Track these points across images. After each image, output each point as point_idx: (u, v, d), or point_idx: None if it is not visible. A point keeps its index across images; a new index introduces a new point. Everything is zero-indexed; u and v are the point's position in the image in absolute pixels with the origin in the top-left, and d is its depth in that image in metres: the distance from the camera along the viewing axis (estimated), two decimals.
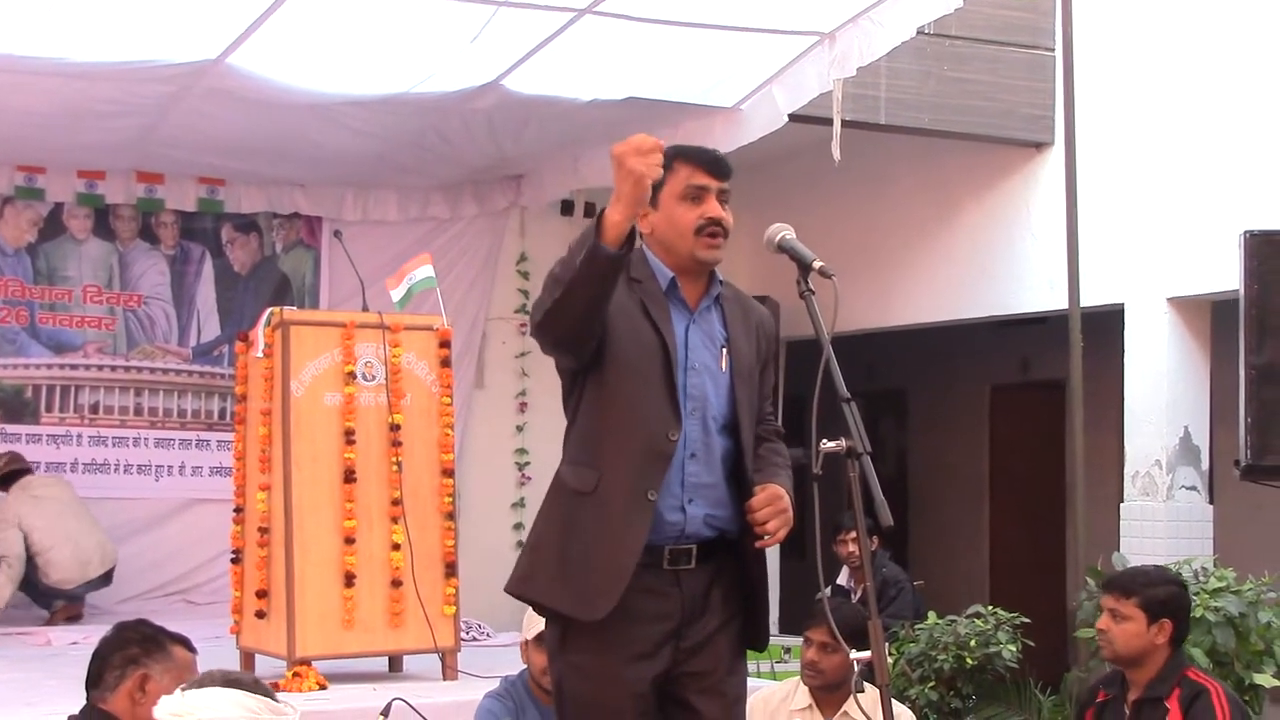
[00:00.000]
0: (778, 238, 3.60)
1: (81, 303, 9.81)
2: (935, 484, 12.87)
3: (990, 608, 7.26)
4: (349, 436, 6.78)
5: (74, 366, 9.80)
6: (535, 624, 4.96)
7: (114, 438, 9.86)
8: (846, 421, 3.27)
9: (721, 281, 3.77)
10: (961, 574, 12.23)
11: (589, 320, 3.53)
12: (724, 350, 3.70)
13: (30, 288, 9.72)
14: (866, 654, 3.18)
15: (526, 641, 5.15)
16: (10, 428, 9.62)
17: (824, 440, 3.26)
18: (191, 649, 3.98)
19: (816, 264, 3.50)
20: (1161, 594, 5.05)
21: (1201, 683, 4.90)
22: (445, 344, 7.08)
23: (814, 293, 3.50)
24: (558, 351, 3.64)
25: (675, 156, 3.69)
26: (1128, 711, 4.96)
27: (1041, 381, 11.77)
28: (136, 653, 3.88)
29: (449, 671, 6.95)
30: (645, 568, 3.60)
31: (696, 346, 3.68)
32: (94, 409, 9.82)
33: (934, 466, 12.87)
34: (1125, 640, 4.93)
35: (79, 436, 9.78)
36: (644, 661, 3.61)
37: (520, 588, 3.75)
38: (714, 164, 3.69)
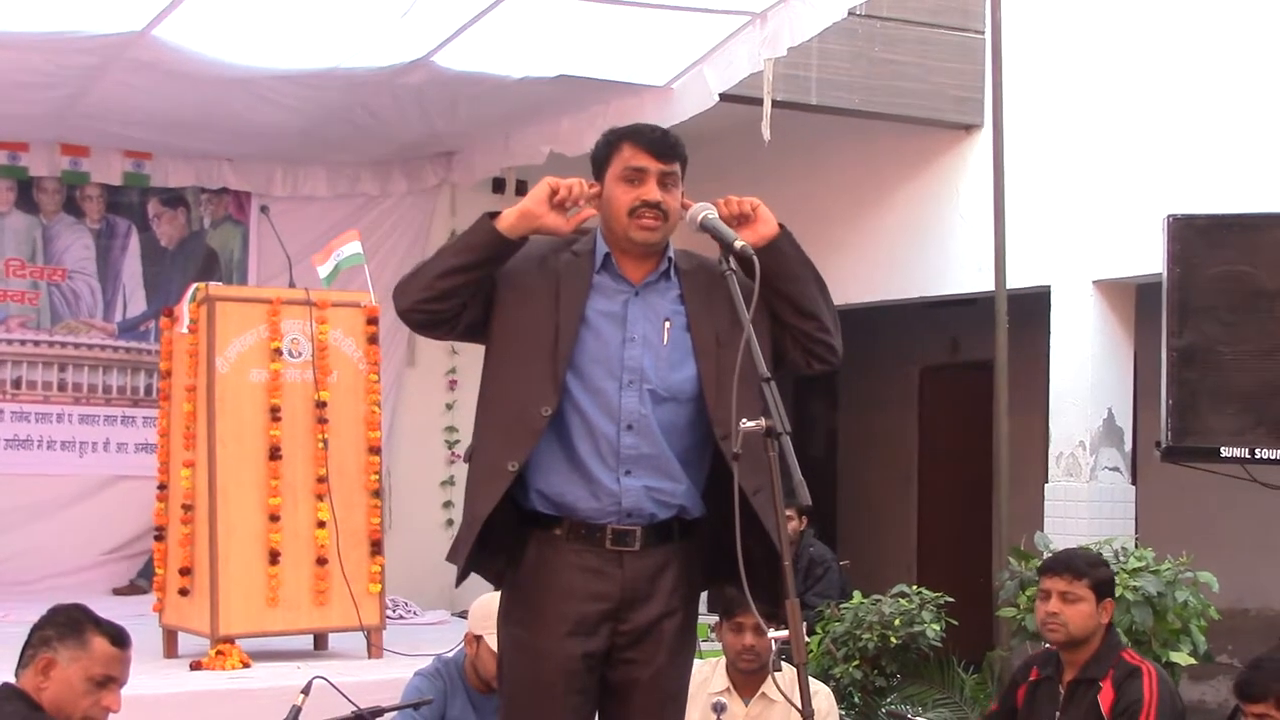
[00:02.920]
0: (699, 217, 3.60)
1: (4, 276, 9.67)
2: (864, 464, 12.93)
3: (915, 587, 7.31)
4: (274, 413, 6.75)
5: None
6: (487, 625, 4.95)
7: (37, 413, 9.73)
8: (766, 401, 3.26)
9: (676, 255, 3.75)
10: (890, 553, 12.30)
11: (437, 292, 3.57)
12: (666, 324, 3.67)
13: None
14: (784, 633, 3.18)
15: (474, 635, 5.13)
16: None
17: (743, 420, 3.25)
18: (121, 644, 3.92)
19: (738, 244, 3.50)
20: (1105, 574, 5.11)
21: (1135, 664, 4.95)
22: (373, 321, 7.06)
23: (736, 272, 3.50)
24: (407, 321, 3.68)
25: (622, 136, 3.70)
26: (1063, 692, 4.98)
27: (971, 362, 11.82)
28: (51, 635, 3.84)
29: (374, 650, 6.94)
30: (588, 546, 3.61)
31: (637, 319, 3.66)
32: (16, 384, 9.68)
33: (863, 446, 12.92)
34: (1079, 622, 4.93)
35: (1, 412, 9.64)
36: (576, 638, 3.60)
37: (451, 554, 3.79)
38: (657, 145, 3.66)
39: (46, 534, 9.51)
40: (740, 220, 3.64)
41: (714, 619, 5.33)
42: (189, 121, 8.83)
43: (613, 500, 3.62)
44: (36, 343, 9.76)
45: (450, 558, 3.74)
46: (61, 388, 9.80)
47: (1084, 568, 5.03)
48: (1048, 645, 5.23)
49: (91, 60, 7.67)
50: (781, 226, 3.68)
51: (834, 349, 3.70)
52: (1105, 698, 4.83)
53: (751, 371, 3.35)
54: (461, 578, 3.74)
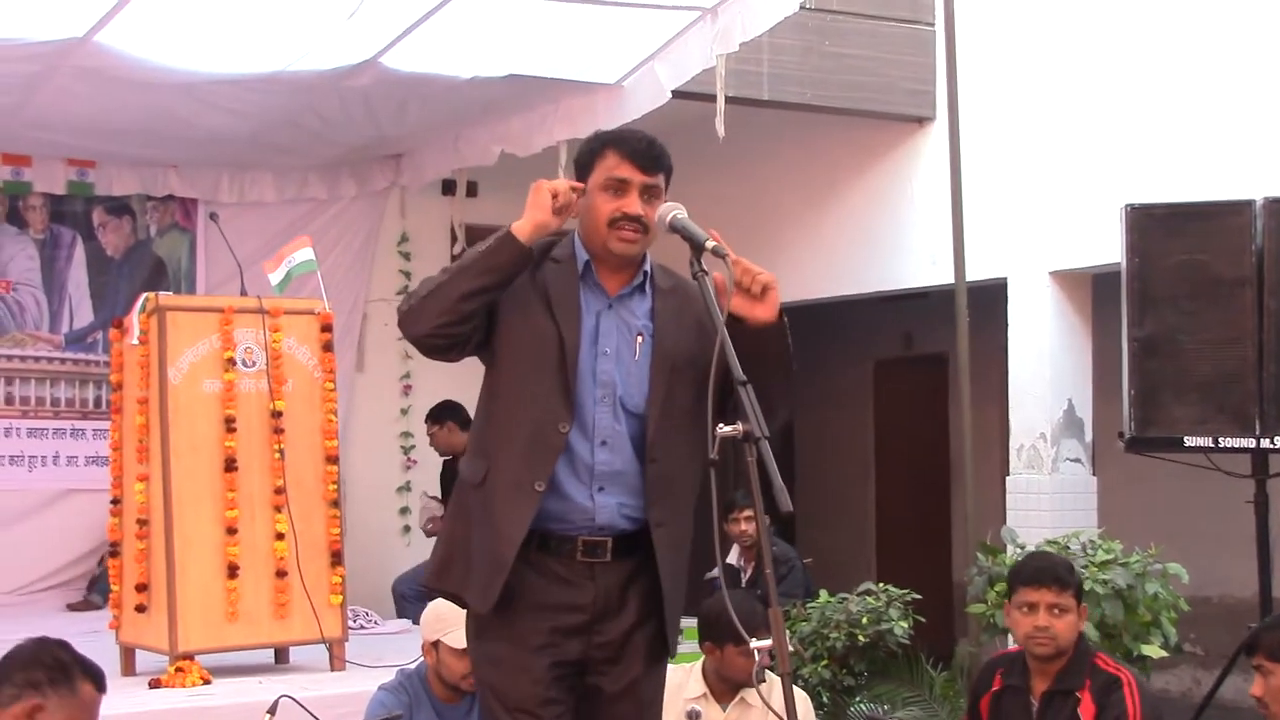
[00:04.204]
0: (669, 217, 3.52)
1: None
2: (821, 460, 12.91)
3: (881, 585, 7.27)
4: (229, 424, 6.64)
5: None
6: (441, 626, 4.88)
7: None
8: (742, 405, 3.20)
9: (653, 269, 3.68)
10: (848, 549, 12.29)
11: (458, 315, 3.49)
12: (639, 339, 3.61)
13: None
14: (766, 642, 3.12)
15: (431, 643, 5.06)
16: None
17: (720, 425, 3.18)
18: (103, 687, 3.78)
19: (709, 244, 3.43)
20: (1080, 580, 5.01)
21: (1112, 672, 4.77)
22: (327, 328, 6.95)
23: (707, 273, 3.42)
24: (422, 345, 3.56)
25: (607, 143, 3.64)
26: (1035, 703, 4.80)
27: (925, 356, 11.82)
28: (40, 679, 3.65)
29: (337, 662, 6.85)
30: (557, 557, 3.56)
31: (609, 332, 3.60)
32: None
33: (820, 442, 12.90)
34: (1068, 634, 4.78)
35: None
36: (551, 650, 3.55)
37: (437, 580, 3.73)
38: (642, 156, 3.59)
39: None
40: (745, 294, 3.46)
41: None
42: (133, 128, 8.70)
43: (585, 516, 3.56)
44: None
45: (457, 588, 3.64)
46: (9, 401, 9.66)
47: (1068, 577, 4.87)
48: (1012, 647, 5.13)
49: (33, 68, 7.54)
50: (781, 315, 3.52)
51: (767, 438, 3.37)
52: (1086, 711, 4.66)
53: (679, 366, 3.48)
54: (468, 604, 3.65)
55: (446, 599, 3.81)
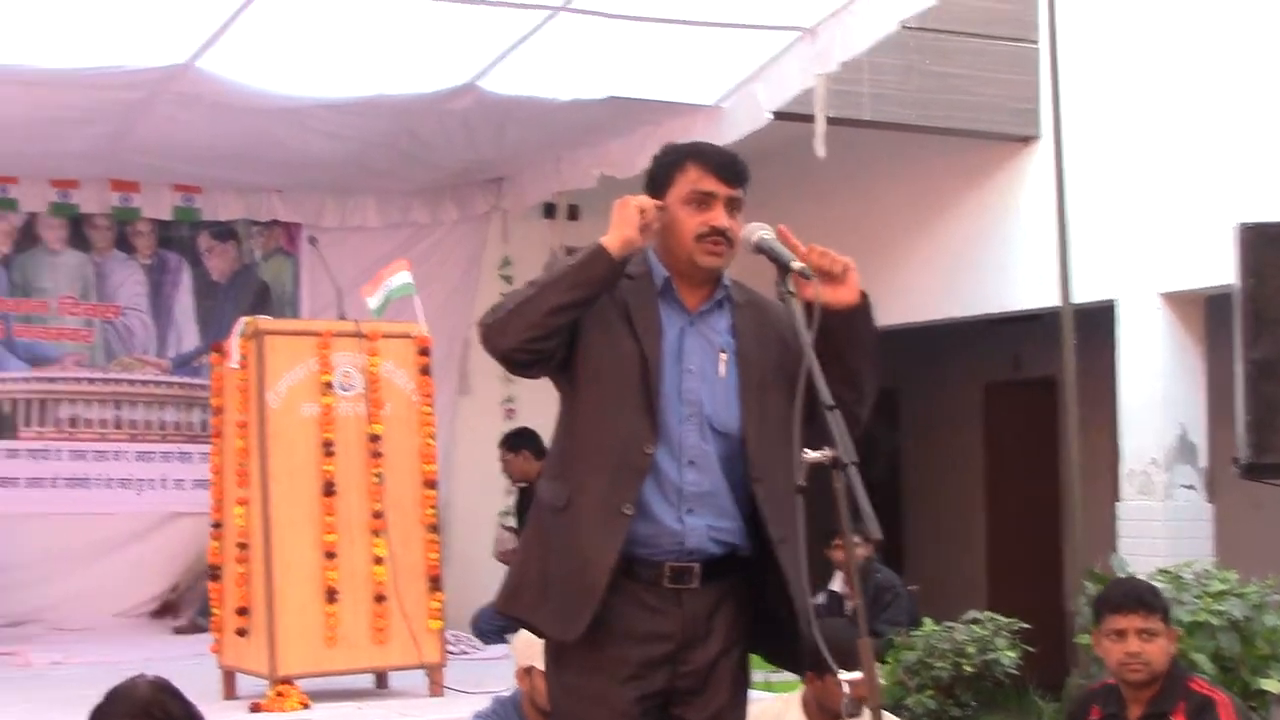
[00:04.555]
0: (754, 237, 3.44)
1: (58, 315, 9.67)
2: (929, 485, 12.74)
3: (988, 613, 7.12)
4: (328, 448, 6.63)
5: (52, 380, 9.66)
6: (534, 651, 4.82)
7: (94, 451, 9.70)
8: (829, 430, 3.11)
9: (730, 285, 3.60)
10: (959, 577, 12.09)
11: (547, 329, 3.41)
12: (722, 356, 3.53)
13: (5, 300, 9.57)
14: (857, 674, 3.02)
15: (524, 669, 5.01)
16: None
17: (807, 450, 3.09)
18: None
19: (795, 265, 3.34)
20: (1168, 603, 4.88)
21: (1206, 694, 4.68)
22: (425, 351, 6.93)
23: (794, 294, 3.34)
24: (508, 360, 3.48)
25: (687, 155, 3.56)
26: None
27: (1035, 379, 11.63)
28: None
29: (435, 687, 6.82)
30: (644, 584, 3.46)
31: (693, 350, 3.52)
32: (73, 422, 9.68)
33: (928, 468, 12.73)
34: (1161, 659, 4.68)
35: (58, 451, 9.62)
36: (636, 682, 3.45)
37: (506, 605, 3.63)
38: (725, 168, 3.52)
39: (105, 573, 9.49)
40: (826, 278, 3.41)
41: None
42: (237, 154, 8.78)
43: (675, 540, 3.46)
44: (91, 380, 9.75)
45: (527, 614, 3.56)
46: (118, 425, 9.79)
47: (1155, 600, 4.78)
48: (1108, 680, 5.00)
49: (136, 95, 7.63)
50: (863, 295, 3.48)
51: (859, 422, 3.47)
52: None
53: (766, 385, 3.39)
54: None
55: (517, 624, 3.73)
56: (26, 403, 9.59)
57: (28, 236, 9.61)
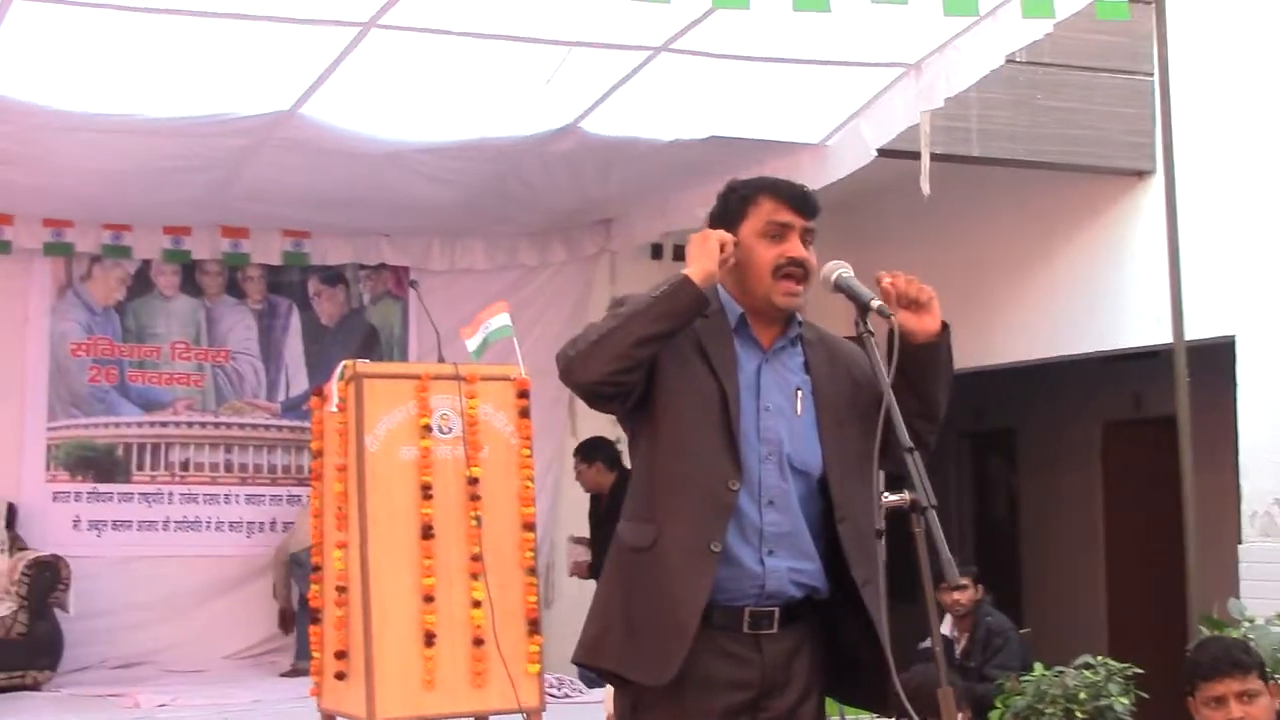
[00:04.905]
0: (834, 276, 3.37)
1: (170, 360, 9.80)
2: (1048, 525, 12.48)
3: (1100, 658, 6.92)
4: (426, 491, 6.60)
5: (164, 424, 9.79)
6: None
7: (205, 495, 9.82)
8: (909, 473, 3.02)
9: (802, 323, 3.55)
10: (1079, 619, 11.82)
11: (633, 361, 3.33)
12: (799, 393, 3.46)
13: (119, 346, 9.72)
14: None
15: (617, 713, 4.94)
16: (103, 487, 9.63)
17: (885, 494, 3.00)
18: None
19: (875, 303, 3.27)
20: (1261, 657, 4.69)
21: None
22: (524, 394, 6.89)
23: (873, 334, 3.26)
24: (590, 393, 3.41)
25: (760, 189, 3.51)
26: None
27: (1156, 417, 11.34)
28: None
29: None
30: (723, 630, 3.37)
31: (769, 388, 3.45)
32: (185, 466, 9.80)
33: (1046, 507, 12.48)
34: (1267, 718, 4.49)
35: (170, 494, 9.75)
36: None
37: (586, 655, 3.53)
38: (799, 200, 3.48)
39: (215, 616, 9.57)
40: (910, 305, 3.36)
41: None
42: (343, 198, 8.85)
43: (755, 583, 3.38)
44: (203, 424, 9.87)
45: (615, 665, 3.45)
46: (228, 468, 9.89)
47: (1246, 658, 4.56)
48: None
49: (242, 141, 7.72)
50: (944, 324, 3.42)
51: (929, 449, 3.42)
52: None
53: (844, 423, 3.34)
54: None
55: (601, 676, 3.64)
56: (140, 446, 9.73)
57: (141, 283, 9.77)
